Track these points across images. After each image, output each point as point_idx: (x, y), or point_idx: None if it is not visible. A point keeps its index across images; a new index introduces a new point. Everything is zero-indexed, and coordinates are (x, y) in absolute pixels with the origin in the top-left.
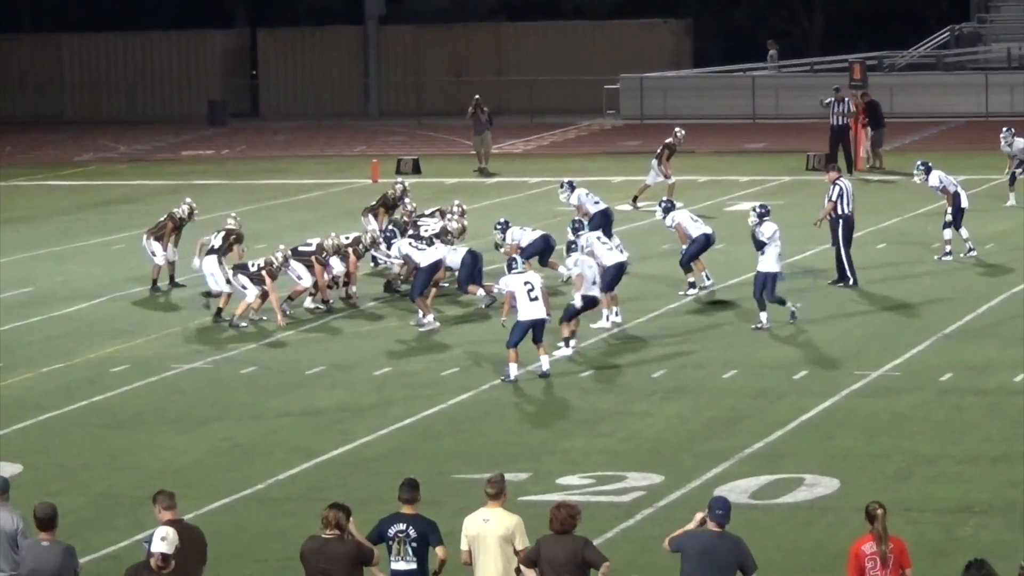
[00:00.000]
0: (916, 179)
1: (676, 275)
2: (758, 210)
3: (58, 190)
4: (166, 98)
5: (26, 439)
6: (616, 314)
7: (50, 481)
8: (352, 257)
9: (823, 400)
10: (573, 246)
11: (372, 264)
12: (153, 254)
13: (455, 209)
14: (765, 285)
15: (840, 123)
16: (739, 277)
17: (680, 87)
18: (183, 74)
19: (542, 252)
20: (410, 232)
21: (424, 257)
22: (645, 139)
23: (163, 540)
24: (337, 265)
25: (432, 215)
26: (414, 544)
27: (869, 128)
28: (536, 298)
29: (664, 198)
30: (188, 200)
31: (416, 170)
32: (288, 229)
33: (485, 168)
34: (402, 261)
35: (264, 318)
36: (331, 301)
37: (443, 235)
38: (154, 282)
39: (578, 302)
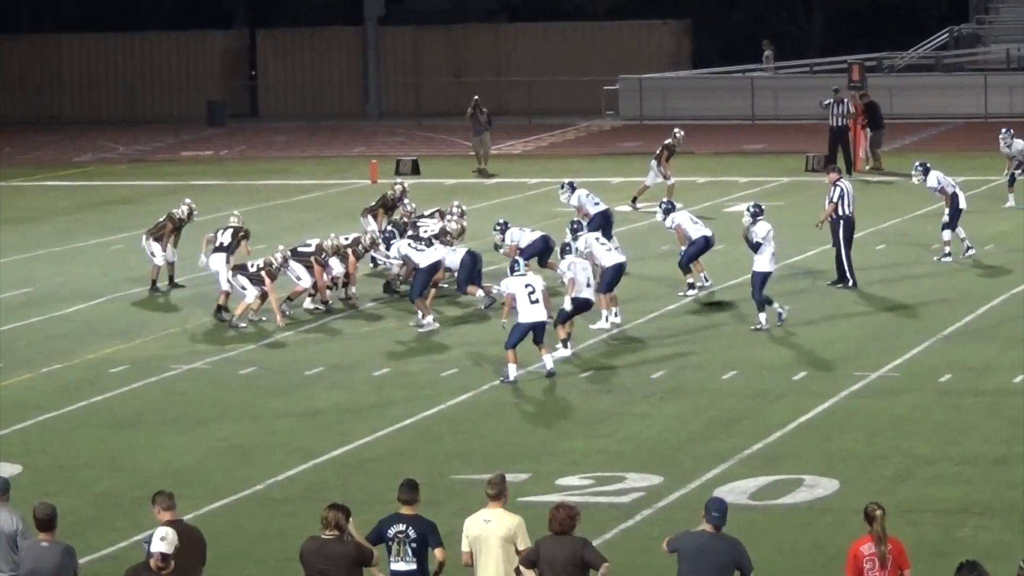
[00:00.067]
0: (914, 180)
1: (675, 276)
2: (751, 210)
3: (57, 190)
4: (165, 98)
5: (25, 439)
6: (615, 315)
7: (49, 481)
8: (351, 258)
9: (822, 401)
10: (568, 248)
11: (371, 265)
12: (152, 255)
13: (454, 210)
14: (763, 284)
15: (839, 124)
16: (738, 278)
17: (679, 88)
18: (182, 74)
19: (541, 253)
20: (409, 233)
21: (423, 258)
22: (644, 140)
23: (162, 540)
24: (336, 266)
25: (431, 216)
26: (414, 545)
27: (868, 129)
28: (536, 300)
29: (664, 199)
30: (187, 201)
31: (415, 171)
32: (287, 230)
33: (484, 169)
34: (401, 262)
35: (263, 319)
36: (330, 302)
37: (442, 236)
38: (153, 283)
39: (568, 305)
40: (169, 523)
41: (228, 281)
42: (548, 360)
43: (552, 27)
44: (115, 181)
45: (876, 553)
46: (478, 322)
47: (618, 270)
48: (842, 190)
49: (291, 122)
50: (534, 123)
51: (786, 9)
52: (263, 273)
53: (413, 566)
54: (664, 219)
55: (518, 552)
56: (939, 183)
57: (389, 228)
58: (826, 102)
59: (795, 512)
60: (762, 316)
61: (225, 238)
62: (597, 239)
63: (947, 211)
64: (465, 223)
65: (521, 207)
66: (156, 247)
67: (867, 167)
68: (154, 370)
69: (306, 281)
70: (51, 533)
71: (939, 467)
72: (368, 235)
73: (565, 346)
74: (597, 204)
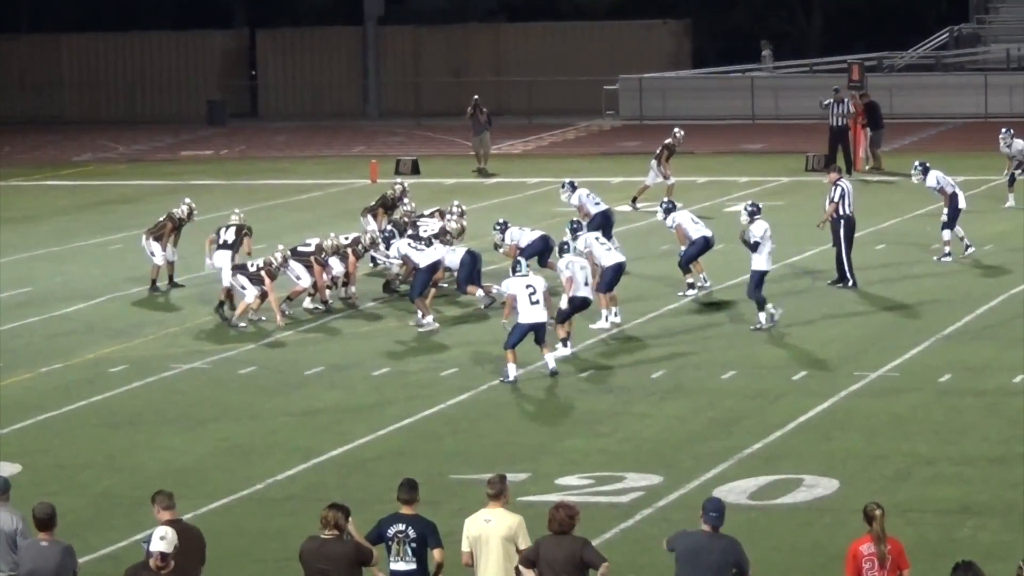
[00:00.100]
0: (914, 179)
1: (675, 276)
2: (749, 208)
3: (57, 190)
4: (165, 98)
5: (25, 439)
6: (615, 315)
7: (49, 481)
8: (351, 257)
9: (822, 401)
10: (566, 247)
11: (371, 264)
12: (152, 254)
13: (454, 209)
14: (760, 283)
15: (839, 124)
16: (738, 278)
17: (679, 88)
18: (182, 74)
19: (541, 252)
20: (409, 232)
21: (423, 258)
22: (644, 140)
23: (162, 540)
24: (336, 265)
25: (431, 215)
26: (413, 544)
27: (868, 129)
28: (537, 302)
29: (665, 198)
30: (187, 200)
31: (415, 170)
32: (287, 229)
33: (484, 168)
34: (401, 261)
35: (263, 318)
36: (330, 301)
37: (442, 235)
38: (153, 282)
39: (564, 303)
40: (168, 523)
41: (230, 279)
42: (550, 360)
43: (552, 27)
44: (115, 181)
45: (875, 553)
46: (478, 322)
47: (618, 270)
48: (843, 190)
49: (291, 122)
50: (534, 123)
51: (786, 9)
52: (263, 273)
53: (413, 566)
54: (665, 218)
55: (519, 551)
56: (938, 183)
57: (389, 228)
58: (826, 102)
59: (795, 512)
60: (761, 316)
61: (229, 236)
62: (597, 239)
63: (945, 211)
64: (465, 223)
65: (521, 207)
66: (156, 247)
67: (867, 167)
68: (154, 370)
69: (306, 281)
70: (50, 532)
71: (938, 467)
72: (368, 235)
73: (564, 345)
74: (598, 204)
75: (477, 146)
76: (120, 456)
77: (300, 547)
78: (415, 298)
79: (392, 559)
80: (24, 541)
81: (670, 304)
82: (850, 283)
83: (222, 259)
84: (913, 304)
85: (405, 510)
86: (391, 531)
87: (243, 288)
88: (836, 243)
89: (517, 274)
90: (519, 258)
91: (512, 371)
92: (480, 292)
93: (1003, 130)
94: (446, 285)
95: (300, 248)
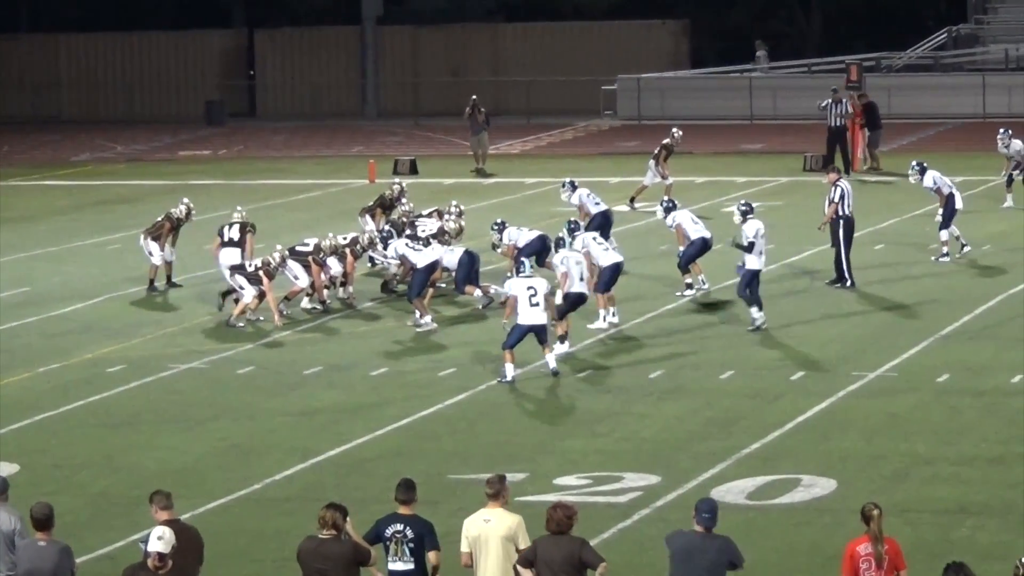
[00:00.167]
0: (911, 179)
1: (673, 276)
2: (742, 208)
3: (55, 190)
4: (163, 98)
5: (23, 439)
6: (613, 315)
7: (47, 481)
8: (349, 257)
9: (820, 401)
10: (561, 242)
11: (369, 264)
12: (150, 254)
13: (452, 209)
14: (752, 282)
15: (838, 124)
16: (737, 278)
17: (677, 88)
18: (181, 74)
19: (539, 252)
20: (407, 232)
21: (421, 258)
22: (642, 140)
23: (160, 540)
24: (334, 265)
25: (429, 215)
26: (411, 544)
27: (866, 129)
28: (537, 304)
29: (665, 198)
30: (186, 200)
31: (413, 170)
32: (285, 229)
33: (482, 168)
34: (399, 261)
35: (261, 318)
36: (328, 301)
37: (440, 235)
38: (151, 282)
39: (559, 299)
40: (166, 522)
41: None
42: (552, 360)
43: (550, 27)
44: (113, 181)
45: (872, 553)
46: (476, 322)
47: (615, 270)
48: (842, 190)
49: (289, 122)
50: (532, 123)
51: (784, 9)
52: (261, 272)
53: (411, 566)
54: (665, 217)
55: (518, 551)
56: (935, 183)
57: (387, 228)
58: (823, 104)
59: (792, 512)
60: (758, 315)
61: (233, 233)
62: (594, 239)
63: (941, 211)
64: (463, 223)
65: (519, 207)
66: (154, 246)
67: (865, 167)
68: (152, 370)
69: (304, 281)
70: (48, 532)
71: (937, 467)
72: (366, 235)
73: (562, 342)
74: (598, 204)
75: (475, 146)
76: (118, 456)
77: (298, 547)
78: (413, 298)
79: (390, 559)
80: (22, 541)
81: (668, 304)
82: (848, 283)
83: (230, 257)
84: (911, 304)
85: (403, 510)
86: (389, 531)
87: (241, 288)
88: (835, 243)
89: (520, 275)
90: (523, 259)
91: (510, 371)
92: (478, 292)
93: (1001, 130)
94: (444, 285)
95: (298, 248)
